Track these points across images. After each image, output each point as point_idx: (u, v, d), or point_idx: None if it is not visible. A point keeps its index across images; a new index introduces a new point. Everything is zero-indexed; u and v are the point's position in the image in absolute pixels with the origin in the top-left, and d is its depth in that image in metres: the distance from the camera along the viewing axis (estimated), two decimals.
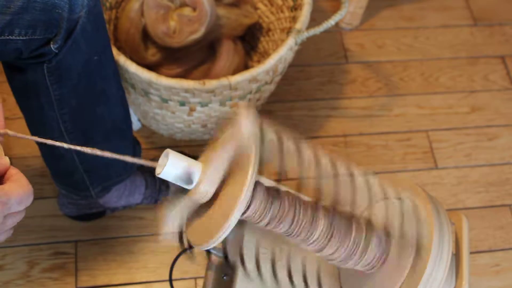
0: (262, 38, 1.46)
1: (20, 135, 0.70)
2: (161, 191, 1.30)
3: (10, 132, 0.71)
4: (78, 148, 0.71)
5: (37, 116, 1.04)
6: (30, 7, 0.85)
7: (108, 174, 1.19)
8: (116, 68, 1.06)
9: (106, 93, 1.05)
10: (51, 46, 0.89)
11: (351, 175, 0.79)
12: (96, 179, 1.18)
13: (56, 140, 1.02)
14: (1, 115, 0.75)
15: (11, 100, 1.44)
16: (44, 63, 0.92)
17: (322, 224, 0.75)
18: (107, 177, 1.19)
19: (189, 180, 0.69)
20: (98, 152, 0.71)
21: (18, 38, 0.86)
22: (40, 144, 1.11)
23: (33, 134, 1.08)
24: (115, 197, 1.25)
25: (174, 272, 1.18)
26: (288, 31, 1.28)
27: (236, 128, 0.69)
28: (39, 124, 1.05)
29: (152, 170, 0.71)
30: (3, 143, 0.73)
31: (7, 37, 0.86)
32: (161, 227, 0.68)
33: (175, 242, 0.72)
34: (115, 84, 1.07)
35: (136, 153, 1.23)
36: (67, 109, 1.00)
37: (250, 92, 1.22)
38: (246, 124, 0.68)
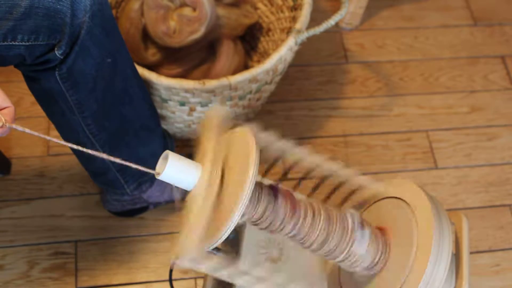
0: (262, 38, 1.46)
1: (19, 127, 0.71)
2: None
3: (8, 125, 0.72)
4: (74, 147, 0.71)
5: (61, 121, 1.06)
6: (32, 13, 0.85)
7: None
8: (134, 66, 1.06)
9: (129, 93, 1.06)
10: (56, 52, 0.89)
11: (349, 176, 0.79)
12: (130, 176, 1.20)
13: (84, 143, 1.05)
14: (12, 110, 0.76)
15: (11, 100, 1.44)
16: (55, 70, 0.93)
17: (321, 224, 0.75)
18: (141, 173, 1.20)
19: (189, 182, 0.70)
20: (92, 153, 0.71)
21: (21, 43, 0.86)
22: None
23: (62, 138, 1.10)
24: (157, 191, 1.26)
25: (174, 272, 1.18)
26: (288, 31, 1.28)
27: (208, 122, 0.70)
28: (65, 128, 1.07)
29: None
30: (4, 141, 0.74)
31: (10, 43, 0.86)
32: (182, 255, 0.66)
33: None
34: (136, 82, 1.08)
35: (167, 146, 1.24)
36: (88, 112, 1.01)
37: (250, 92, 1.22)
38: (214, 114, 0.69)
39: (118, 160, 0.73)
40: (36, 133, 0.72)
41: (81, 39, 0.90)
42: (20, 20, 0.85)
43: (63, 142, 0.74)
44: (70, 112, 1.01)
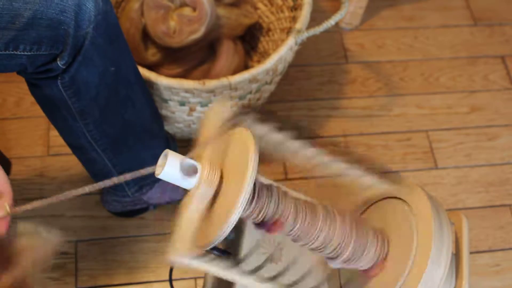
0: (262, 38, 1.46)
1: (24, 207, 0.68)
2: None
3: (16, 209, 0.70)
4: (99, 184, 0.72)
5: (63, 126, 1.05)
6: (35, 24, 0.84)
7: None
8: (138, 72, 1.06)
9: (131, 98, 1.06)
10: (58, 62, 0.89)
11: (350, 173, 0.78)
12: (132, 179, 1.19)
13: (86, 147, 1.05)
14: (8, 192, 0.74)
15: (11, 100, 1.44)
16: (57, 79, 0.92)
17: (321, 223, 0.75)
18: (143, 176, 1.20)
19: (189, 180, 0.70)
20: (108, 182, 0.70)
21: (22, 53, 0.86)
22: (72, 148, 1.13)
23: (64, 140, 1.11)
24: (158, 193, 1.26)
25: (174, 272, 1.18)
26: (288, 31, 1.28)
27: (209, 119, 0.69)
28: (67, 133, 1.07)
29: None
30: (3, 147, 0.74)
31: (12, 52, 0.85)
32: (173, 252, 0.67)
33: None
34: (139, 87, 1.07)
35: (171, 149, 1.24)
36: (90, 119, 1.01)
37: (250, 92, 1.22)
38: (217, 113, 0.68)
39: (119, 179, 0.73)
40: (45, 201, 0.70)
41: (84, 49, 0.89)
42: (22, 30, 0.84)
43: (96, 186, 0.72)
44: (72, 118, 1.00)
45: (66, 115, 0.99)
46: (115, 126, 1.06)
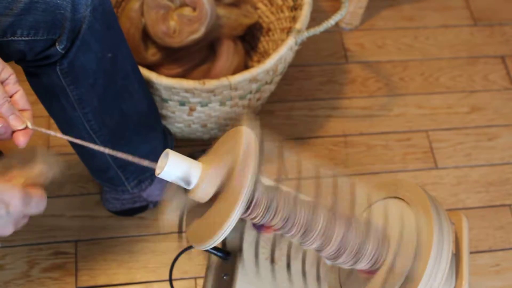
0: (262, 38, 1.46)
1: (43, 130, 0.73)
2: None
3: (31, 126, 0.74)
4: (95, 147, 0.74)
5: (62, 117, 1.05)
6: (32, 8, 0.85)
7: (142, 167, 1.19)
8: (134, 63, 1.06)
9: (128, 89, 1.06)
10: (57, 47, 0.89)
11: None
12: (131, 173, 1.20)
13: (85, 140, 1.05)
14: (31, 113, 0.76)
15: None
16: (56, 65, 0.92)
17: (322, 223, 0.75)
18: (142, 170, 1.20)
19: (189, 180, 0.70)
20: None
21: (20, 39, 0.86)
22: (72, 143, 1.13)
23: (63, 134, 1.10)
24: (157, 190, 1.26)
25: (174, 272, 1.18)
26: (288, 31, 1.28)
27: (238, 140, 0.69)
28: (66, 125, 1.07)
29: None
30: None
31: (10, 38, 0.86)
32: (162, 213, 0.68)
33: (175, 227, 0.71)
34: (136, 78, 1.07)
35: (168, 143, 1.24)
36: (88, 108, 1.01)
37: (250, 92, 1.22)
38: (248, 137, 0.68)
39: (121, 155, 0.73)
40: (60, 135, 0.74)
41: (82, 33, 0.90)
42: (19, 15, 0.85)
43: (82, 142, 0.75)
44: (71, 108, 1.00)
45: (65, 104, 1.00)
46: (114, 117, 1.06)
